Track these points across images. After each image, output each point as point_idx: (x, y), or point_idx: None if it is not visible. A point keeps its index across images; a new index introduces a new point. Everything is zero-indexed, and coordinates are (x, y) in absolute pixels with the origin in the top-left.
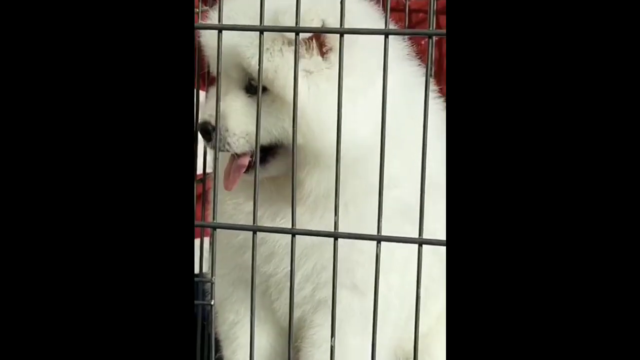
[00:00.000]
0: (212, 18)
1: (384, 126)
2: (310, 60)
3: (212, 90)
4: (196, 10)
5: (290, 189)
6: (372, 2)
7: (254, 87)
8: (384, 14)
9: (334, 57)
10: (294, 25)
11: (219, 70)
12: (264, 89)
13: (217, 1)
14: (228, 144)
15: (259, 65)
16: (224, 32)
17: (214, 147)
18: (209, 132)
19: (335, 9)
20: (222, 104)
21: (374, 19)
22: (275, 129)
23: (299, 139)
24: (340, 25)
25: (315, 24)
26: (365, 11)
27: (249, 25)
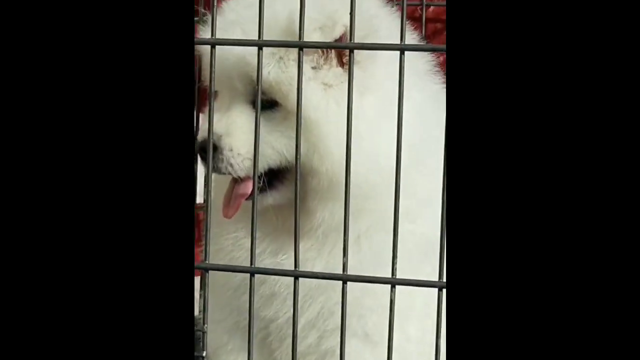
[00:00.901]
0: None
1: (399, 153)
2: (329, 72)
3: (214, 105)
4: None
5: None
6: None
7: (263, 102)
8: (407, 25)
9: (356, 69)
10: (310, 32)
11: (212, 89)
12: (275, 103)
13: (211, 12)
14: (231, 165)
15: (257, 83)
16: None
17: (207, 170)
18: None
19: (361, 14)
20: (225, 119)
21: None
22: (287, 149)
23: (314, 162)
24: (350, 39)
25: (338, 31)
26: (391, 19)
27: (245, 40)
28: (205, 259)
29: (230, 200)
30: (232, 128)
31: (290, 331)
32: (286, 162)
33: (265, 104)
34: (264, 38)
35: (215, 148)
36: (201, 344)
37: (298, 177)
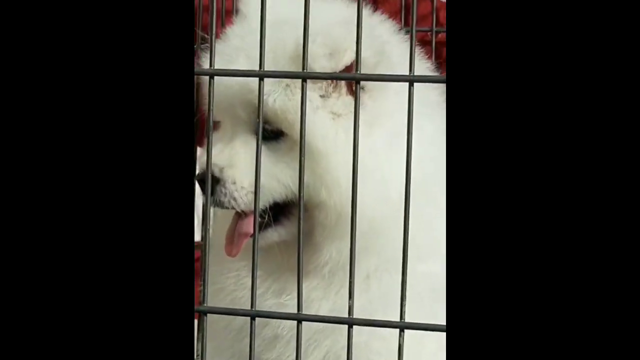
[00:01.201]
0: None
1: (408, 188)
2: (338, 101)
3: (216, 135)
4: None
5: (304, 257)
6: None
7: (268, 132)
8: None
9: (367, 98)
10: (319, 60)
11: (210, 120)
12: (281, 133)
13: (209, 41)
14: (234, 199)
15: (258, 116)
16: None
17: (206, 205)
18: (212, 184)
19: (374, 40)
20: (228, 150)
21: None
22: (293, 182)
23: (322, 195)
24: (356, 69)
25: (348, 57)
26: (403, 47)
27: (245, 71)
28: (203, 302)
29: (234, 238)
30: (236, 159)
31: None
32: (292, 195)
33: (270, 134)
34: (270, 65)
35: (218, 181)
36: None
37: (302, 212)
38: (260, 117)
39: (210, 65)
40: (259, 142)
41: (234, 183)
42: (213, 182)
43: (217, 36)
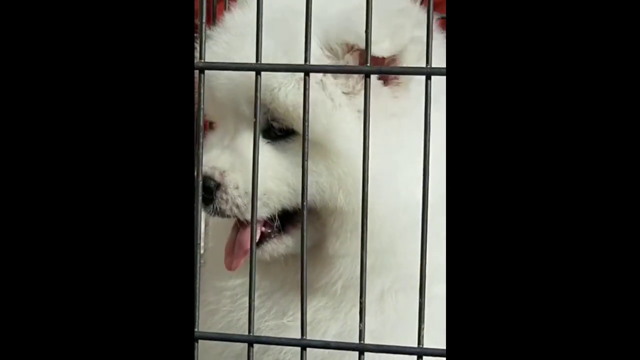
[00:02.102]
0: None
1: (425, 197)
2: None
3: (215, 136)
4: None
5: (312, 271)
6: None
7: (277, 131)
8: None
9: (403, 94)
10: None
11: (201, 119)
12: (292, 132)
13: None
14: (237, 206)
15: (255, 109)
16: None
17: (197, 215)
18: (211, 190)
19: (404, 29)
20: (229, 152)
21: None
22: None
23: (339, 200)
24: (366, 62)
25: (396, 47)
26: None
27: (239, 64)
28: (194, 326)
29: (234, 249)
30: (238, 162)
31: None
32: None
33: (278, 132)
34: (281, 56)
35: (218, 186)
36: None
37: (305, 222)
38: (257, 117)
39: (200, 58)
40: (257, 141)
41: (237, 188)
42: (213, 188)
43: (209, 23)
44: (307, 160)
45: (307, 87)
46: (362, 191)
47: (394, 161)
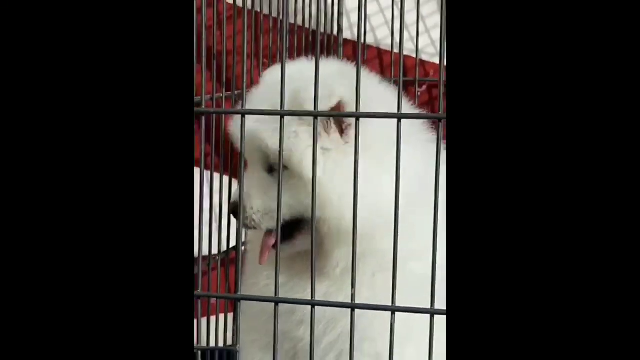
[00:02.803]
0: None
1: (397, 205)
2: (329, 139)
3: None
4: (219, 95)
5: (319, 262)
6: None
7: (275, 167)
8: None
9: (352, 133)
10: (311, 103)
11: (242, 151)
12: (285, 167)
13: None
14: (254, 221)
15: (280, 146)
16: (247, 120)
17: (239, 225)
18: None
19: (353, 88)
20: (247, 183)
21: (389, 100)
22: (295, 203)
23: (318, 213)
24: (356, 109)
25: (334, 100)
26: (381, 93)
27: (270, 110)
28: (237, 291)
29: (262, 250)
30: (252, 191)
31: (314, 349)
32: (297, 213)
33: (275, 168)
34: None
35: (244, 210)
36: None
37: (314, 227)
38: (282, 148)
39: (242, 106)
40: (242, 169)
41: (252, 208)
42: (238, 209)
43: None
44: (316, 188)
45: (316, 128)
46: (353, 206)
47: (366, 182)
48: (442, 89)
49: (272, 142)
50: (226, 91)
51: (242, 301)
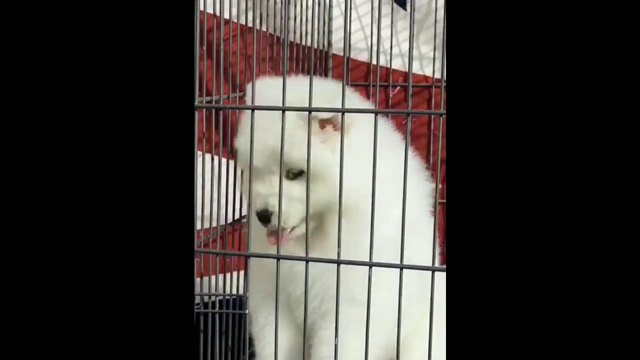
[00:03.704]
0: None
1: (374, 185)
2: (326, 135)
3: (260, 182)
4: (225, 95)
5: (322, 242)
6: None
7: (294, 173)
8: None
9: (352, 129)
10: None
11: (252, 145)
12: (301, 172)
13: (248, 87)
14: (283, 222)
15: (282, 141)
16: (266, 136)
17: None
18: (269, 217)
19: (337, 96)
20: (271, 190)
21: (365, 104)
22: (315, 200)
23: (334, 202)
24: (342, 106)
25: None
26: (358, 99)
27: (273, 106)
28: (248, 248)
29: (276, 238)
30: (275, 197)
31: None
32: (311, 210)
33: (295, 174)
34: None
35: (272, 212)
36: (246, 304)
37: (308, 214)
38: (283, 146)
39: (252, 102)
40: (251, 173)
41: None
42: (269, 215)
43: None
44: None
45: (343, 124)
46: (339, 186)
47: (356, 177)
48: (410, 89)
49: (295, 154)
50: (239, 92)
51: (250, 258)
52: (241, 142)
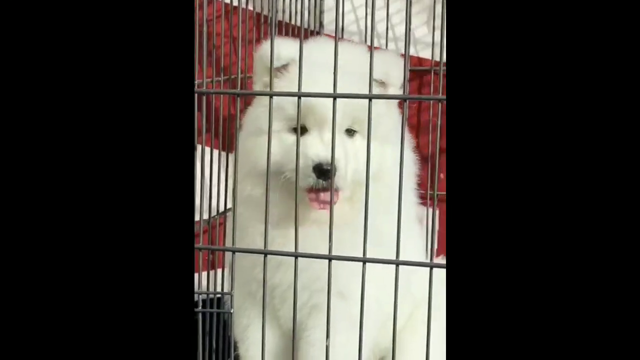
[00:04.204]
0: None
1: (368, 170)
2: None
3: (310, 136)
4: (209, 79)
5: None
6: None
7: (351, 130)
8: None
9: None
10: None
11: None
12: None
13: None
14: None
15: (333, 129)
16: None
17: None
18: (327, 173)
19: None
20: (325, 145)
21: None
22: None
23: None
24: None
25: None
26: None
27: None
28: (233, 244)
29: (323, 201)
30: (339, 154)
31: (290, 294)
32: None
33: (352, 132)
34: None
35: (335, 170)
36: (230, 303)
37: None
38: (335, 125)
39: (270, 88)
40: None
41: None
42: (329, 169)
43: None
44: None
45: (370, 109)
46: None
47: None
48: (406, 73)
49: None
50: (223, 76)
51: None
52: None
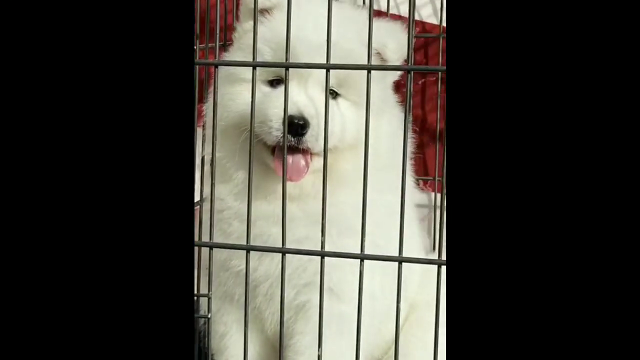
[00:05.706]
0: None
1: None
2: None
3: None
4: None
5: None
6: None
7: (334, 91)
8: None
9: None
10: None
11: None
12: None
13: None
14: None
15: (286, 102)
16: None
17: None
18: (298, 128)
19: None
20: (307, 98)
21: None
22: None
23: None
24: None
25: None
26: None
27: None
28: (210, 239)
29: (295, 170)
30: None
31: (275, 291)
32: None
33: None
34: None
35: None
36: (207, 307)
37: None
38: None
39: (216, 57)
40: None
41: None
42: (303, 124)
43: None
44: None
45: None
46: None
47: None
48: (410, 43)
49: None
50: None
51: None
52: (274, 27)
